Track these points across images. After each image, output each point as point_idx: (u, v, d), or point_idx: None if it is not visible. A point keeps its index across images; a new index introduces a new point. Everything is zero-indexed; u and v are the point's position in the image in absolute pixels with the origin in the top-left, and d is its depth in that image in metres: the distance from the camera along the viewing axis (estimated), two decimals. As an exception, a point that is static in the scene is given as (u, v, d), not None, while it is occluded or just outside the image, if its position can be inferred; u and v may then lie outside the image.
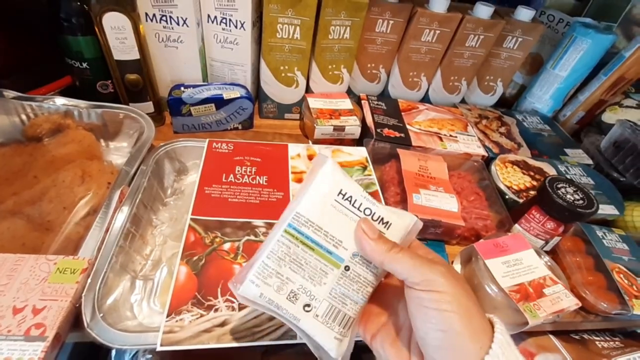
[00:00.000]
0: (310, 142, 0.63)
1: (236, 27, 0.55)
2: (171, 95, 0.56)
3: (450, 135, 0.64)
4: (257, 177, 0.48)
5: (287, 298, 0.25)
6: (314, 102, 0.64)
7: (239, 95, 0.59)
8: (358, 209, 0.27)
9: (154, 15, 0.52)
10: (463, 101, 0.77)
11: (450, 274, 0.23)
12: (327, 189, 0.26)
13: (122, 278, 0.37)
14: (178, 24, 0.53)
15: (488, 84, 0.74)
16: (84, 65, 0.53)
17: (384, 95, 0.73)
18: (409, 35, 0.63)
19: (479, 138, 0.65)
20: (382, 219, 0.27)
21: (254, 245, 0.40)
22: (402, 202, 0.50)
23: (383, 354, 0.26)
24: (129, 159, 0.45)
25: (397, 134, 0.61)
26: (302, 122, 0.66)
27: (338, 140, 0.62)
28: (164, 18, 0.53)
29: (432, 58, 0.67)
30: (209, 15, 0.55)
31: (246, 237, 0.41)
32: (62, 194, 0.41)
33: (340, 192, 0.27)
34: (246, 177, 0.48)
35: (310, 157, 0.53)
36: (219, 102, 0.59)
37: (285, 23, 0.55)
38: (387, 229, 0.27)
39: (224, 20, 0.55)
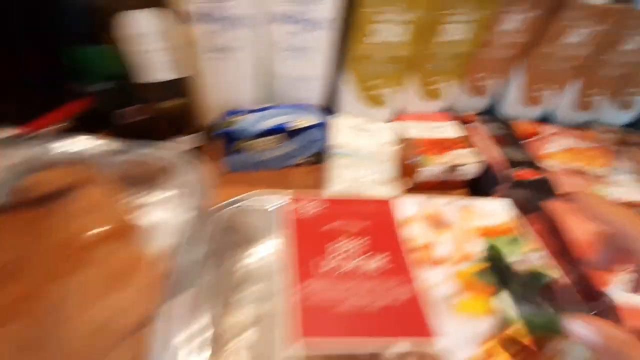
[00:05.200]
0: (406, 184, 0.46)
1: (310, 27, 0.39)
2: (222, 128, 0.40)
3: (603, 177, 0.46)
4: (370, 259, 0.31)
5: None
6: (410, 128, 0.47)
7: (310, 124, 0.43)
8: None
9: (194, 13, 0.35)
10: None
11: None
12: None
13: None
14: (232, 24, 0.37)
15: (626, 97, 0.56)
16: (98, 87, 0.37)
17: (490, 113, 0.56)
18: (550, 34, 0.45)
19: None
20: None
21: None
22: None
23: None
24: (188, 233, 0.29)
25: (534, 175, 0.43)
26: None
27: (443, 182, 0.45)
28: (209, 17, 0.36)
29: (572, 66, 0.49)
30: (272, 13, 0.38)
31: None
32: (105, 302, 0.25)
33: None
34: (355, 259, 0.31)
35: (431, 220, 0.36)
36: (285, 134, 0.42)
37: (385, 21, 0.38)
38: None
39: (292, 19, 0.38)
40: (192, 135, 0.41)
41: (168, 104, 0.36)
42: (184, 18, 0.32)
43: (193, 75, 0.37)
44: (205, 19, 0.35)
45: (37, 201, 0.32)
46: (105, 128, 0.38)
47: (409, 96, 0.48)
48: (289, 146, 0.44)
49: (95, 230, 0.30)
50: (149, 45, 0.30)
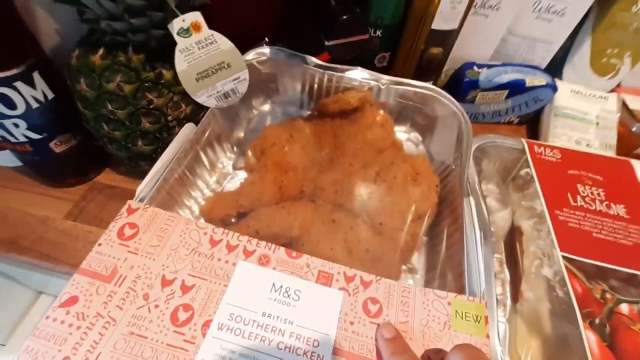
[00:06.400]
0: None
1: (577, -9, 0.41)
2: (466, 77, 0.46)
3: None
4: (612, 206, 0.36)
5: None
6: (632, 101, 0.48)
7: (543, 83, 0.46)
8: None
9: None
10: None
11: None
12: None
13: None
14: (507, -16, 0.41)
15: None
16: (377, 33, 0.45)
17: None
18: None
19: None
20: None
21: (659, 314, 0.29)
22: None
23: None
24: (457, 157, 0.37)
25: None
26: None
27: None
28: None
29: None
30: (544, -26, 0.42)
31: (644, 300, 0.30)
32: (395, 194, 0.34)
33: None
34: (597, 203, 0.36)
35: (670, 185, 0.39)
36: (516, 90, 0.47)
37: (659, -11, 0.39)
38: None
39: (563, -19, 0.41)
40: (428, 82, 0.47)
41: (435, 50, 0.43)
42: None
43: (458, 29, 0.43)
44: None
45: (336, 114, 0.43)
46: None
47: (635, 70, 0.48)
48: (510, 102, 0.48)
49: (383, 141, 0.40)
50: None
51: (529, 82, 0.46)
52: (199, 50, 0.31)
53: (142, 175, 0.33)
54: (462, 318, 0.25)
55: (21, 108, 0.31)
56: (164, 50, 0.31)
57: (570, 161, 0.39)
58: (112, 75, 0.30)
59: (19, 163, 0.39)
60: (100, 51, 0.30)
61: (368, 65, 0.46)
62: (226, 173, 0.40)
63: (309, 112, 0.46)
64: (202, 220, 0.36)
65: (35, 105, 0.32)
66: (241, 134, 0.44)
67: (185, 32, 0.30)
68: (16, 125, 0.32)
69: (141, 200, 0.30)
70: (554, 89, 0.46)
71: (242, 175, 0.41)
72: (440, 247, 0.35)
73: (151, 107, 0.32)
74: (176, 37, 0.30)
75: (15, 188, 0.40)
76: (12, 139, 0.33)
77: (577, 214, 0.34)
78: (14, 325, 0.61)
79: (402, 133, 0.45)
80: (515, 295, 0.31)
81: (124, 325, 0.24)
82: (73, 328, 0.23)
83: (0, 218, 0.38)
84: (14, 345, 0.60)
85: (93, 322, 0.24)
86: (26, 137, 0.33)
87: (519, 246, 0.33)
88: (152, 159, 0.36)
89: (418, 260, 0.36)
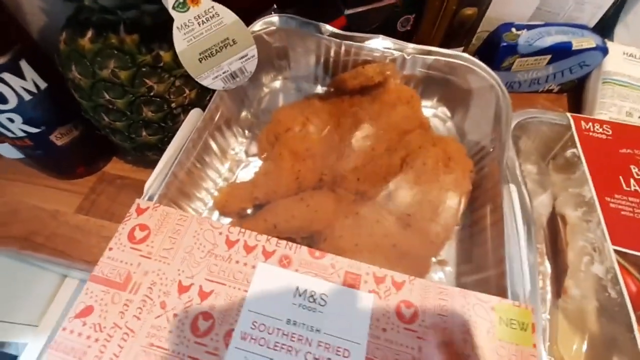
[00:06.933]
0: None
1: None
2: (503, 41, 0.40)
3: None
4: (670, 189, 0.32)
5: None
6: (696, 62, 0.42)
7: (592, 46, 0.40)
8: None
9: None
10: None
11: None
12: None
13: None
14: None
15: None
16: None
17: None
18: None
19: None
20: None
21: None
22: None
23: None
24: (496, 138, 0.33)
25: None
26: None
27: None
28: None
29: None
30: None
31: None
32: (425, 182, 0.31)
33: None
34: (654, 185, 0.32)
35: None
36: (560, 54, 0.41)
37: None
38: None
39: None
40: (458, 49, 0.42)
41: (468, 11, 0.37)
42: None
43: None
44: None
45: (356, 90, 0.39)
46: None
47: None
48: (551, 68, 0.43)
49: (409, 121, 0.36)
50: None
51: (576, 44, 0.40)
52: (200, 26, 0.27)
53: (151, 163, 0.30)
54: (506, 325, 0.23)
55: (13, 101, 0.28)
56: (161, 28, 0.28)
57: (623, 138, 0.34)
58: (105, 60, 0.27)
59: (21, 155, 0.37)
60: (89, 33, 0.26)
61: (389, 30, 0.41)
62: (239, 160, 0.38)
63: (324, 88, 0.42)
64: (217, 214, 0.34)
65: (27, 97, 0.29)
66: (252, 116, 0.41)
67: (182, 5, 0.26)
68: (11, 120, 0.29)
69: (150, 199, 0.28)
70: (604, 51, 0.40)
71: (257, 161, 0.38)
72: (475, 238, 0.32)
73: (152, 94, 0.29)
74: (172, 12, 0.26)
75: (24, 181, 0.39)
76: (10, 134, 0.31)
77: (630, 201, 0.30)
78: (44, 307, 0.63)
79: (427, 108, 0.41)
80: (558, 290, 0.29)
81: (143, 337, 0.22)
82: (91, 340, 0.22)
83: (12, 213, 0.37)
84: (45, 325, 0.63)
85: (111, 333, 0.22)
86: (24, 131, 0.31)
87: (563, 237, 0.30)
88: (159, 149, 0.33)
89: (448, 251, 0.33)
